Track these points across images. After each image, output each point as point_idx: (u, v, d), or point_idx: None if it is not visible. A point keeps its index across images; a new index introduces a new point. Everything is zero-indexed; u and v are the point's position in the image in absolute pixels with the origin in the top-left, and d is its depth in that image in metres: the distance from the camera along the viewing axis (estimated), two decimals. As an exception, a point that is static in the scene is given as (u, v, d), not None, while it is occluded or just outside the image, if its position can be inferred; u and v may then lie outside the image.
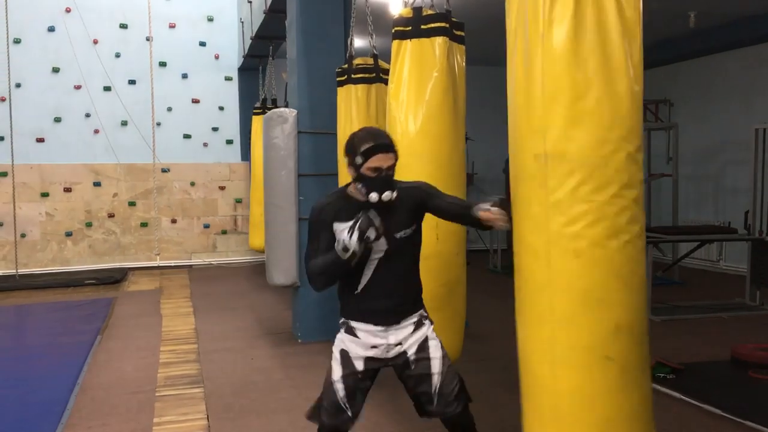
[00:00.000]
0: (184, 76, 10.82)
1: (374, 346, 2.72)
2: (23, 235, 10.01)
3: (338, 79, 4.72)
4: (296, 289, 6.01)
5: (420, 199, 2.73)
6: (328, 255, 2.61)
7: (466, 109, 3.72)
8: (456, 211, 2.74)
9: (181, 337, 6.27)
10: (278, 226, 5.86)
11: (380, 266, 2.69)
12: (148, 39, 10.44)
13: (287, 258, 5.84)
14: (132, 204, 10.56)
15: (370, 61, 4.60)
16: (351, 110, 4.57)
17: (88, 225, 10.37)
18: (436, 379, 2.72)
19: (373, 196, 2.59)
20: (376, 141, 2.61)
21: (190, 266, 10.78)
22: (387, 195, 2.58)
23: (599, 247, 2.24)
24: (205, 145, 10.97)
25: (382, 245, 2.65)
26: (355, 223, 2.51)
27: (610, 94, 2.22)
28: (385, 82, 4.55)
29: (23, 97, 9.96)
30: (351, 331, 2.75)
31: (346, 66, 4.66)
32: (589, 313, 2.25)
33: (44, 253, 10.18)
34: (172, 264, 10.74)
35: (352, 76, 4.60)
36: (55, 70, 10.16)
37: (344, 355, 2.74)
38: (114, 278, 9.37)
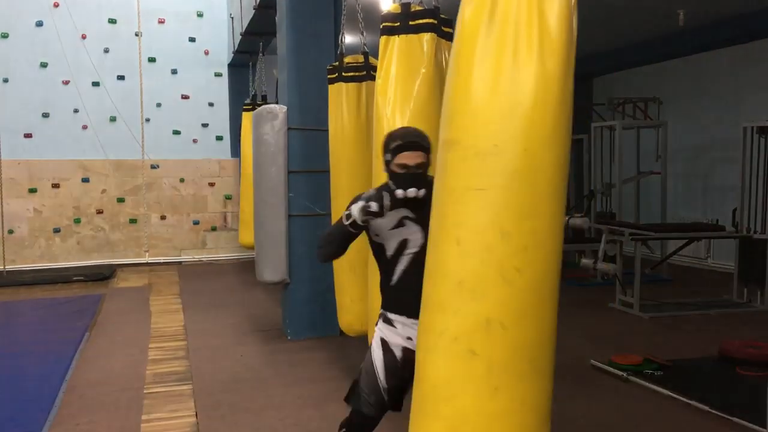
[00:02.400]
0: (174, 71, 10.76)
1: (409, 338, 2.77)
2: (11, 231, 9.93)
3: (329, 76, 4.71)
4: (286, 286, 5.99)
5: None
6: (335, 224, 2.81)
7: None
8: None
9: (170, 334, 6.25)
10: (268, 223, 5.84)
11: (414, 261, 2.71)
12: (137, 34, 10.38)
13: (277, 255, 5.83)
14: (121, 200, 10.50)
15: (361, 58, 4.60)
16: (342, 108, 4.57)
17: (77, 221, 10.30)
18: None
19: (399, 192, 2.64)
20: (404, 139, 2.69)
21: (180, 263, 10.73)
22: (412, 191, 2.62)
23: None
24: (195, 141, 10.92)
25: (418, 241, 2.70)
26: (366, 197, 2.66)
27: None
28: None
29: (11, 92, 9.89)
30: (389, 322, 2.83)
31: (336, 64, 4.66)
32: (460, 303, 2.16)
33: (32, 249, 10.11)
34: (161, 261, 10.68)
35: (343, 74, 4.59)
36: (43, 65, 10.08)
37: (384, 343, 2.83)
38: (102, 275, 9.32)
